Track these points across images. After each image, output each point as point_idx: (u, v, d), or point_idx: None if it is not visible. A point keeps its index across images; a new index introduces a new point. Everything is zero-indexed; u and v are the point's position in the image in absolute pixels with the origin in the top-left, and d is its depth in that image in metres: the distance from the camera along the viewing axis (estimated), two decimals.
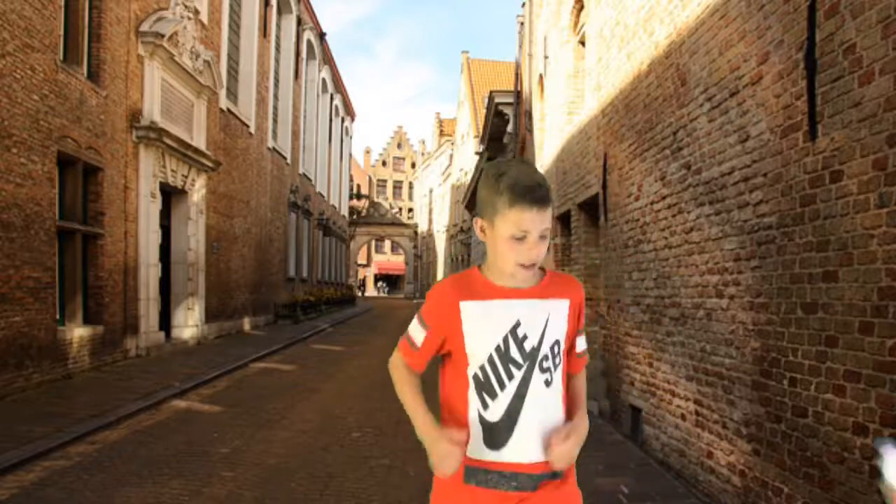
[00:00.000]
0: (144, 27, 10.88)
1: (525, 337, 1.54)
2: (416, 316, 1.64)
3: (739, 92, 3.91)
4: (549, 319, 1.56)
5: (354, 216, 45.58)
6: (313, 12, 25.45)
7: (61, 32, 8.77)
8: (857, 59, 2.83)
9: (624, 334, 6.29)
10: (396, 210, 59.21)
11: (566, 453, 1.51)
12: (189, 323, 13.19)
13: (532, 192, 1.46)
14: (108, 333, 9.85)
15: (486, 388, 1.55)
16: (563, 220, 9.40)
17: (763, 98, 3.64)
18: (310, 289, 24.95)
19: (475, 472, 1.55)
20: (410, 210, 62.00)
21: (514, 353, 1.54)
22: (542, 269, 1.59)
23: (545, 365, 1.55)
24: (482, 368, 1.55)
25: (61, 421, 6.18)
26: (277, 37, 21.06)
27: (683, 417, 4.79)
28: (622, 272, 6.31)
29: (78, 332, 8.98)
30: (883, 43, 2.66)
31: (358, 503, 4.29)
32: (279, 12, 21.26)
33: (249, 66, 17.77)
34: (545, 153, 10.99)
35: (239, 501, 4.30)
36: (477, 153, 20.39)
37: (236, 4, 17.26)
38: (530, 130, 12.77)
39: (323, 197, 29.91)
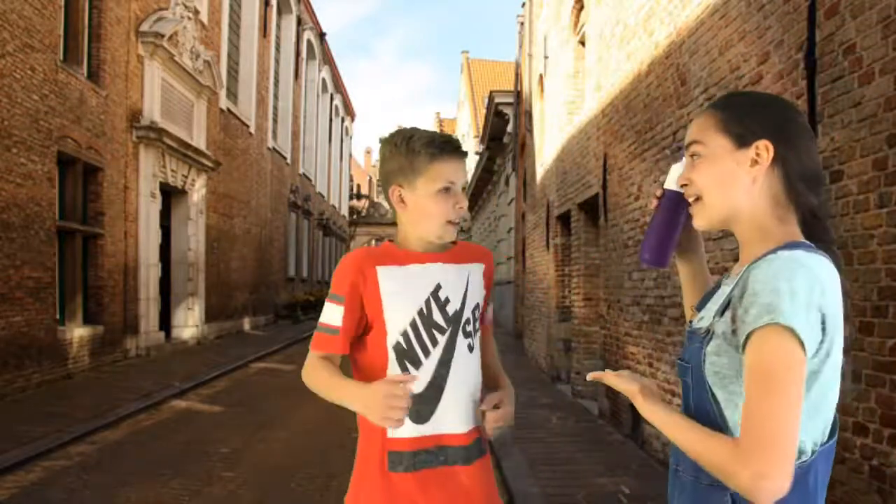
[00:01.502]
0: (144, 27, 10.89)
1: (447, 300, 1.49)
2: (326, 300, 1.50)
3: None
4: (469, 282, 1.53)
5: (354, 216, 45.56)
6: (313, 12, 25.46)
7: (61, 32, 8.77)
8: (857, 59, 2.82)
9: (624, 334, 6.29)
10: None
11: (504, 416, 1.48)
12: (189, 323, 13.19)
13: (450, 143, 1.49)
14: (108, 333, 9.85)
15: (409, 357, 1.46)
16: (563, 220, 9.40)
17: None
18: (310, 289, 24.95)
19: (400, 458, 1.44)
20: None
21: (437, 316, 1.48)
22: (452, 241, 1.57)
23: (468, 329, 1.51)
24: (405, 335, 1.46)
25: (61, 421, 6.18)
26: (277, 37, 21.06)
27: None
28: (622, 272, 6.31)
29: (78, 332, 8.98)
30: (883, 43, 2.66)
31: None
32: (279, 12, 21.26)
33: (249, 66, 17.78)
34: (545, 153, 10.99)
35: (239, 501, 4.31)
36: (477, 153, 20.42)
37: (236, 4, 17.26)
38: (530, 130, 12.77)
39: (323, 197, 29.92)
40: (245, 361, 11.14)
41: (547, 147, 10.87)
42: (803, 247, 1.06)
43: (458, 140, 1.53)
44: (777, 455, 0.94)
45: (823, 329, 0.99)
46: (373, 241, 57.11)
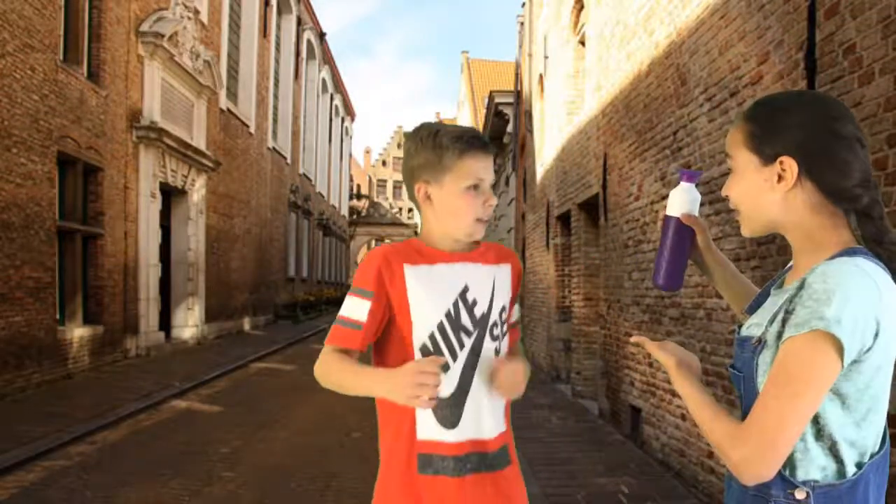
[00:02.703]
0: (144, 27, 10.89)
1: (475, 302, 1.45)
2: (349, 294, 1.45)
3: (739, 92, 3.91)
4: (496, 284, 1.49)
5: (354, 216, 45.59)
6: (313, 12, 25.46)
7: (61, 32, 8.77)
8: (857, 59, 2.82)
9: (624, 334, 6.29)
10: (396, 210, 59.18)
11: (510, 376, 1.41)
12: (189, 323, 13.19)
13: (478, 139, 1.45)
14: (108, 333, 9.85)
15: None
16: (563, 220, 9.40)
17: None
18: (310, 289, 24.95)
19: (430, 460, 1.41)
20: (410, 210, 62.00)
21: (465, 319, 1.44)
22: (476, 241, 1.51)
23: (495, 332, 1.47)
24: (432, 338, 1.42)
25: (61, 421, 6.18)
26: (277, 37, 21.06)
27: (683, 417, 4.79)
28: (622, 272, 6.31)
29: (78, 332, 8.98)
30: (883, 43, 2.66)
31: (359, 503, 4.29)
32: (279, 12, 21.26)
33: (249, 66, 17.77)
34: (545, 153, 10.99)
35: (239, 501, 4.31)
36: None
37: (236, 4, 17.26)
38: (530, 130, 12.77)
39: (323, 197, 29.91)
40: (245, 361, 11.14)
41: (547, 147, 10.87)
42: (861, 253, 1.05)
43: (485, 136, 1.49)
44: (770, 449, 0.99)
45: (876, 335, 0.98)
46: (373, 241, 57.24)
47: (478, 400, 1.44)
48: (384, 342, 1.46)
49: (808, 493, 1.04)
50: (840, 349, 0.96)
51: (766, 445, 0.98)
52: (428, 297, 1.42)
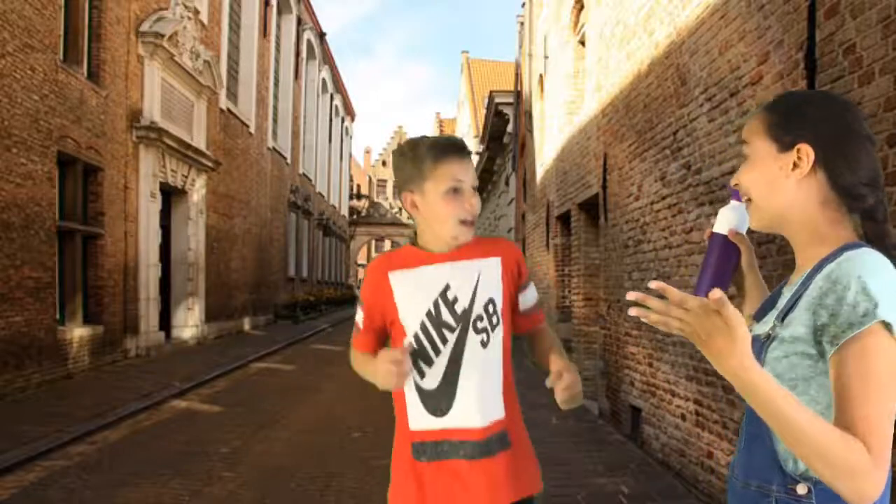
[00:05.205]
0: (144, 27, 10.89)
1: (455, 299, 1.54)
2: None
3: (739, 92, 3.91)
4: (480, 278, 1.56)
5: (354, 216, 45.59)
6: (313, 12, 25.46)
7: (61, 32, 8.77)
8: (857, 59, 2.82)
9: (624, 334, 6.29)
10: (396, 210, 59.13)
11: (571, 385, 1.43)
12: (189, 323, 13.19)
13: (453, 144, 1.54)
14: (108, 333, 9.85)
15: (421, 356, 1.55)
16: (563, 220, 9.40)
17: (763, 98, 3.64)
18: (310, 289, 24.95)
19: (424, 448, 1.54)
20: None
21: (446, 316, 1.54)
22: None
23: (480, 325, 1.55)
24: (416, 337, 1.55)
25: (61, 421, 6.18)
26: (277, 37, 21.06)
27: (683, 417, 4.79)
28: (622, 272, 6.31)
29: (78, 332, 8.98)
30: (883, 43, 2.66)
31: (358, 503, 4.29)
32: (279, 12, 21.26)
33: (249, 66, 17.77)
34: (545, 153, 10.99)
35: (239, 501, 4.31)
36: (477, 153, 20.41)
37: (236, 4, 17.26)
38: (530, 130, 12.77)
39: (323, 197, 29.91)
40: (245, 361, 11.14)
41: (547, 147, 10.87)
42: (864, 247, 1.04)
43: (461, 141, 1.58)
44: (887, 463, 0.92)
45: None
46: (373, 241, 57.23)
47: (465, 390, 1.54)
48: (394, 343, 1.61)
49: (809, 488, 1.02)
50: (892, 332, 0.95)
51: (886, 460, 0.91)
52: (411, 299, 1.56)
